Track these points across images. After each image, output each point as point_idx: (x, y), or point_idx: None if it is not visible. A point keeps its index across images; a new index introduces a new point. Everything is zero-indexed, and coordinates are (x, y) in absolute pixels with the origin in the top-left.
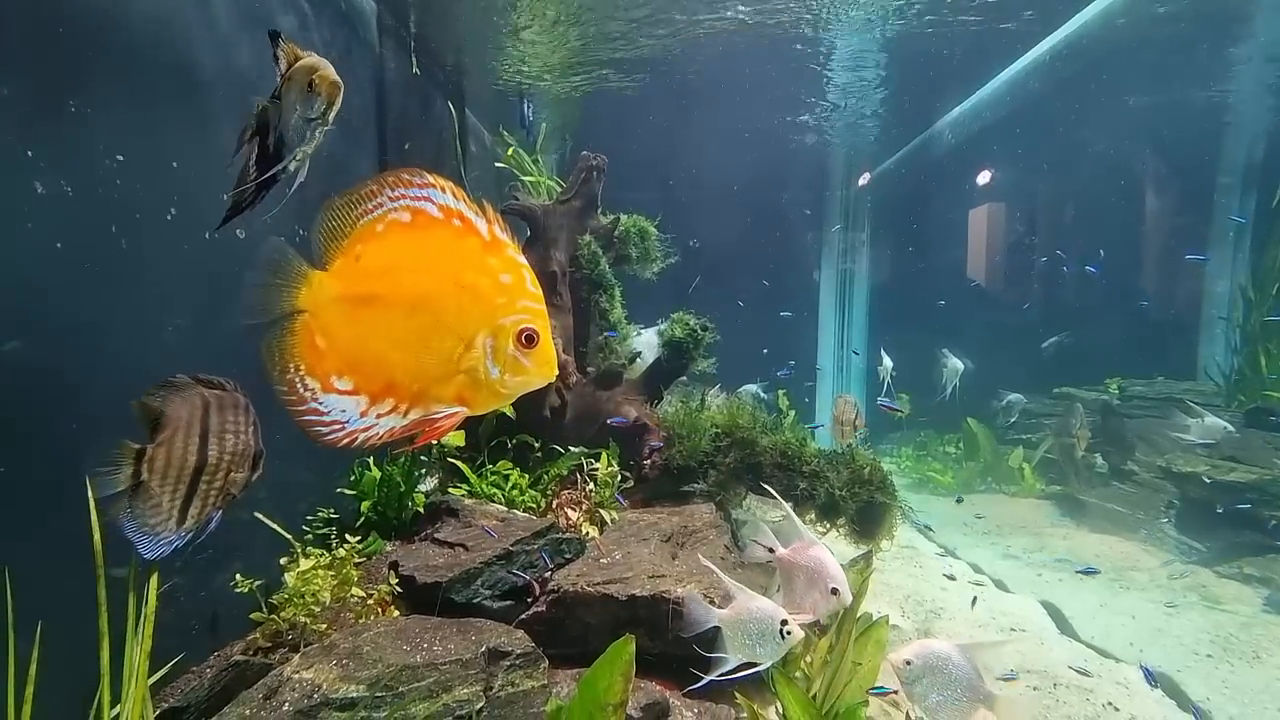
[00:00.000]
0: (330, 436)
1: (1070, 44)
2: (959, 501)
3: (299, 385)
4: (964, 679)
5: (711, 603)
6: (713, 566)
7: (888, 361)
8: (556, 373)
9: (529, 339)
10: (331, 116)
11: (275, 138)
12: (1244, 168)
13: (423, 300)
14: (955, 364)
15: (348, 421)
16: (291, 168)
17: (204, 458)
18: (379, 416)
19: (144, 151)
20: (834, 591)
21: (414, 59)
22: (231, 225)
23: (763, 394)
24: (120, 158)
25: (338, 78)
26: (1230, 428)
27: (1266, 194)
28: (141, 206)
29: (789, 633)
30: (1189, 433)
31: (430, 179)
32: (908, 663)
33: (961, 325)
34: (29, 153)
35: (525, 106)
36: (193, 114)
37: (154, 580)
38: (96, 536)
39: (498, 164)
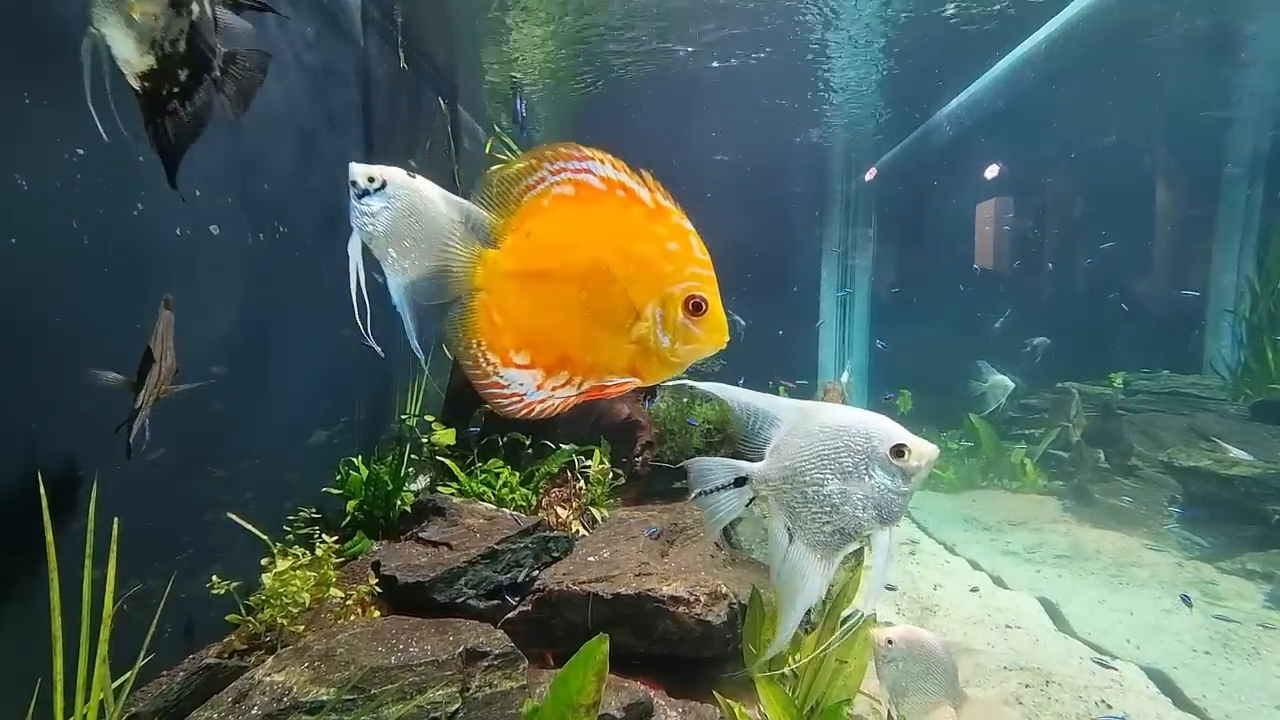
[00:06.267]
0: (510, 407)
1: (1075, 28)
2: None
3: (482, 360)
4: (939, 673)
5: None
6: None
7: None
8: (727, 339)
9: (696, 306)
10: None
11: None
12: (1250, 158)
13: (592, 273)
14: (1003, 381)
15: (526, 394)
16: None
17: (160, 374)
18: (554, 389)
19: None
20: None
21: (401, 54)
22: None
23: None
24: (80, 152)
25: None
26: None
27: (1274, 184)
28: (105, 202)
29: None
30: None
31: (587, 151)
32: (889, 642)
33: (966, 321)
34: None
35: (518, 102)
36: None
37: (110, 580)
38: (49, 536)
39: (498, 156)
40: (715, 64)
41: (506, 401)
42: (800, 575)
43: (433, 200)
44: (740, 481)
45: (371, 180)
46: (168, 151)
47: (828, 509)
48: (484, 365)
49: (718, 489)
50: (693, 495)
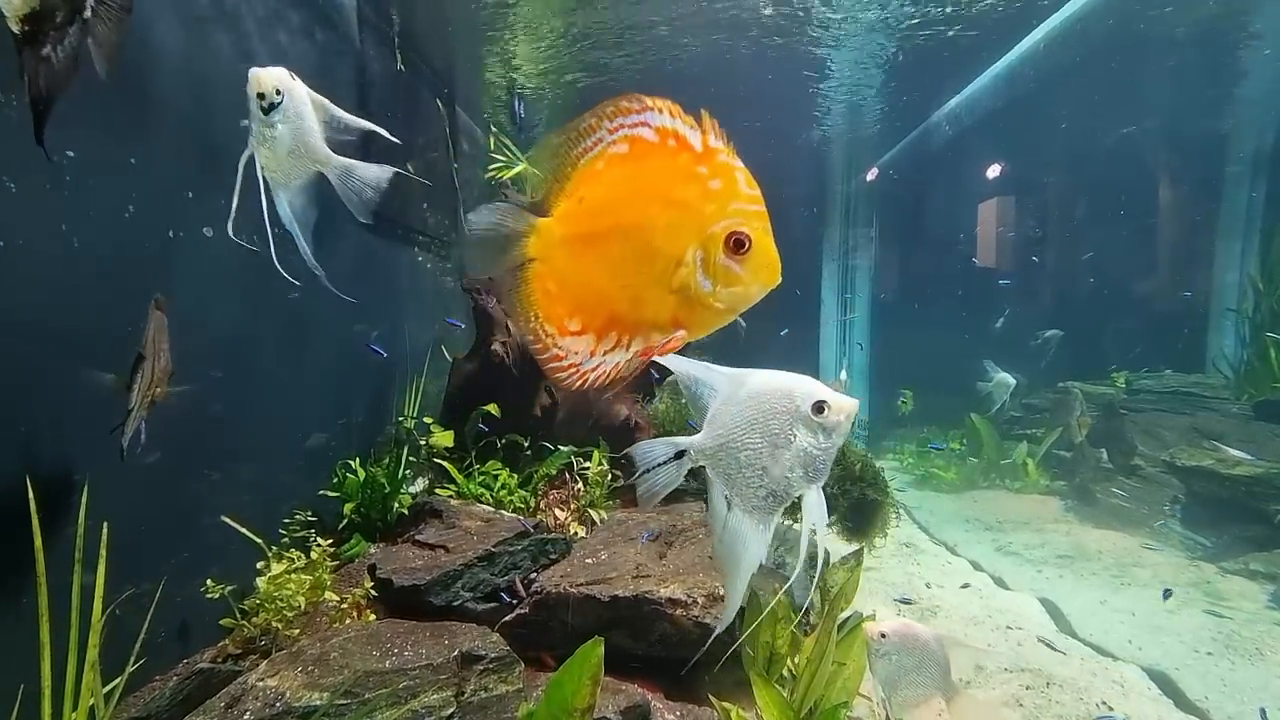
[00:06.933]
0: (568, 379)
1: (1076, 26)
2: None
3: (541, 333)
4: (932, 666)
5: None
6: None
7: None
8: (779, 279)
9: (738, 244)
10: None
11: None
12: (1253, 157)
13: (635, 226)
14: (1005, 379)
15: (581, 363)
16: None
17: (153, 375)
18: (605, 353)
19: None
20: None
21: (398, 55)
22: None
23: None
24: (70, 154)
25: None
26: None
27: (1276, 183)
28: (95, 204)
29: (825, 406)
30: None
31: (648, 102)
32: (883, 635)
33: (968, 321)
34: None
35: (517, 103)
36: (154, 110)
37: (100, 585)
38: (38, 541)
39: (493, 167)
40: (715, 60)
41: (565, 374)
42: (741, 542)
43: (307, 102)
44: (680, 455)
45: (279, 93)
46: (40, 103)
47: (759, 472)
48: (543, 338)
49: (659, 465)
50: (635, 475)
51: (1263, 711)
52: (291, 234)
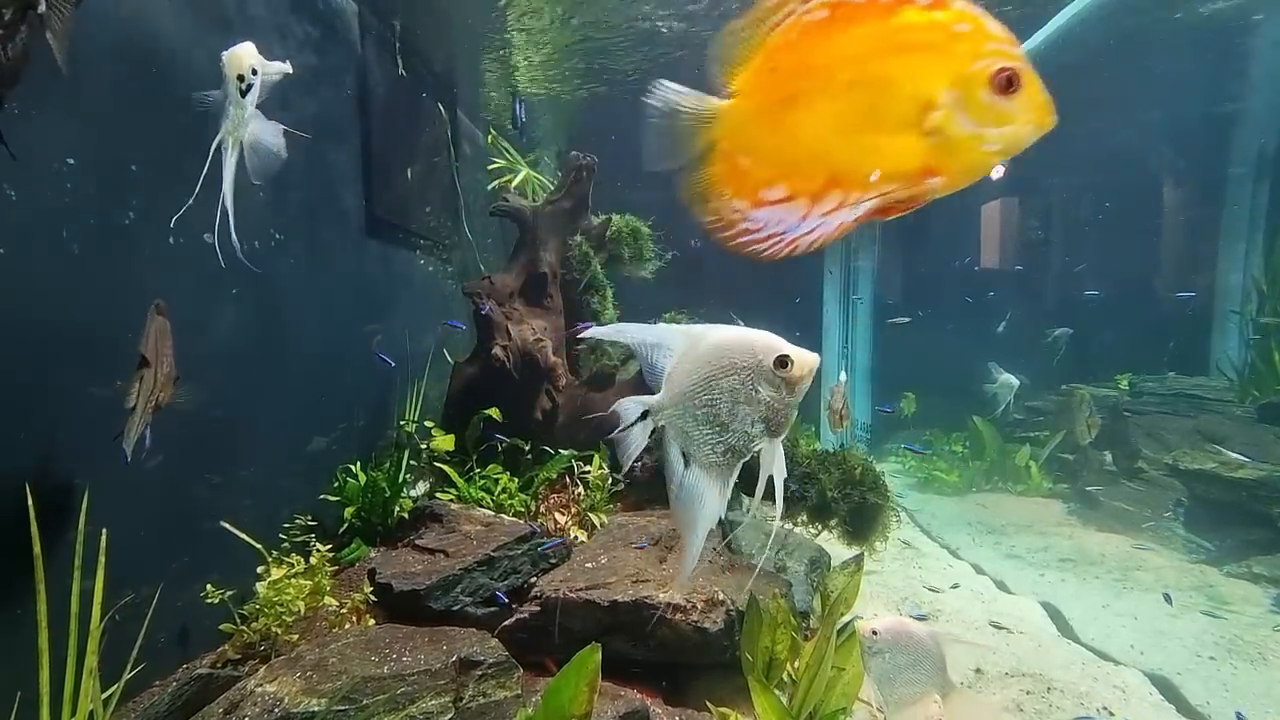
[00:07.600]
0: (770, 249)
1: (1078, 26)
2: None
3: (725, 211)
4: (927, 663)
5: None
6: None
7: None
8: (1054, 121)
9: (1008, 81)
10: None
11: None
12: (1257, 157)
13: (861, 75)
14: (1009, 380)
15: (786, 231)
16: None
17: (156, 380)
18: (824, 215)
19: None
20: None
21: (399, 60)
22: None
23: None
24: (70, 161)
25: None
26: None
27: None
28: (95, 211)
29: (788, 361)
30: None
31: None
32: (874, 633)
33: (970, 323)
34: None
35: (518, 106)
36: (155, 115)
37: (99, 591)
38: (37, 548)
39: (490, 166)
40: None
41: (764, 245)
42: (698, 498)
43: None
44: (645, 415)
45: (254, 71)
46: None
47: (718, 428)
48: (728, 216)
49: (630, 425)
50: (615, 433)
51: (1239, 715)
52: (227, 210)
